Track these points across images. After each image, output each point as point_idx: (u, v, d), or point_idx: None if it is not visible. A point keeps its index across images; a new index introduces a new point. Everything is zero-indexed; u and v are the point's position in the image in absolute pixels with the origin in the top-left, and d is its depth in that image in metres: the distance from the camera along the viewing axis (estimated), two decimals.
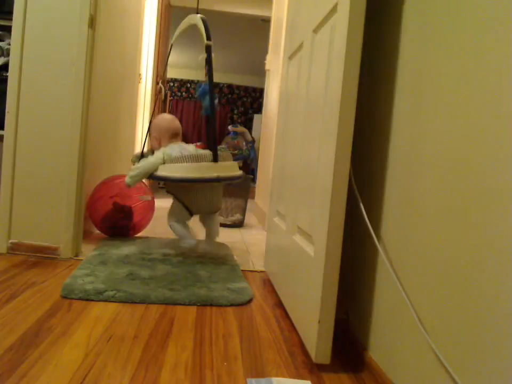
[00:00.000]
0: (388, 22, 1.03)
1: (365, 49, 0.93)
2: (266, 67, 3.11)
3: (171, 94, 7.94)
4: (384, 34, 1.04)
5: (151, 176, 1.60)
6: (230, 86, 8.30)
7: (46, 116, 1.61)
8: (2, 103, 1.61)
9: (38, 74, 1.60)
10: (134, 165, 1.66)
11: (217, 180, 1.58)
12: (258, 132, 4.42)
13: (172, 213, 1.73)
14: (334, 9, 1.00)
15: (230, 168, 1.65)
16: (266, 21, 3.93)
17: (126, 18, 2.43)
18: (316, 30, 1.17)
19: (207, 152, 1.62)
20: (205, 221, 1.82)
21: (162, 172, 1.57)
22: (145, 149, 1.81)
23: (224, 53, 6.91)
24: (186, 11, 3.97)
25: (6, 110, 1.60)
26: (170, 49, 2.03)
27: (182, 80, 8.08)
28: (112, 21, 2.09)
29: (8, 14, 1.62)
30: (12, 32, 1.59)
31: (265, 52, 3.19)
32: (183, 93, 8.16)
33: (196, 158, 1.57)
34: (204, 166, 1.57)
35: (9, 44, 1.66)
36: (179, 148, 1.67)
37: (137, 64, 2.96)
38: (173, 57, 7.05)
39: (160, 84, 2.00)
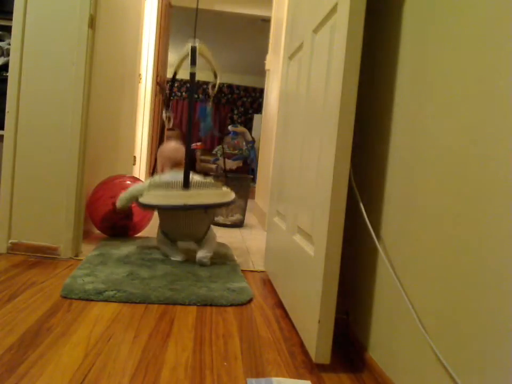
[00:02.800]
0: (388, 22, 1.03)
1: (365, 49, 0.93)
2: (266, 67, 3.11)
3: (171, 94, 7.94)
4: (384, 34, 1.04)
5: (136, 202, 1.70)
6: (230, 86, 8.30)
7: (46, 115, 1.61)
8: (2, 103, 1.61)
9: (38, 74, 1.60)
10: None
11: (184, 208, 1.57)
12: (258, 132, 4.42)
13: (157, 237, 1.77)
14: (334, 9, 1.00)
15: (206, 196, 1.62)
16: (266, 21, 3.93)
17: (126, 18, 2.43)
18: (316, 30, 1.17)
19: (195, 180, 1.65)
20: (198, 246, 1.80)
21: (141, 198, 1.65)
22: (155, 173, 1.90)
23: (224, 53, 6.91)
24: (187, 11, 3.97)
25: (6, 110, 1.60)
26: (174, 76, 2.08)
27: (182, 80, 8.08)
28: (112, 21, 2.09)
29: (8, 14, 1.62)
30: (12, 32, 1.59)
31: (265, 51, 3.19)
32: (183, 93, 8.16)
33: (168, 185, 1.60)
34: (173, 194, 1.60)
35: (9, 44, 1.66)
36: (170, 175, 1.71)
37: (137, 64, 2.96)
38: (173, 57, 7.04)
39: (164, 114, 2.05)
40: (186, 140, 1.70)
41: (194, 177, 1.69)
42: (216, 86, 1.82)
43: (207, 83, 1.80)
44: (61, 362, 0.86)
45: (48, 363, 0.86)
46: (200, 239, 1.71)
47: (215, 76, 1.93)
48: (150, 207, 1.68)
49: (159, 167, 1.86)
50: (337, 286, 0.92)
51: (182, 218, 1.67)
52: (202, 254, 1.65)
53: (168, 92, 1.94)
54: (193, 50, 1.70)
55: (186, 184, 1.61)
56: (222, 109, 8.31)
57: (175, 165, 1.80)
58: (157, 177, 1.73)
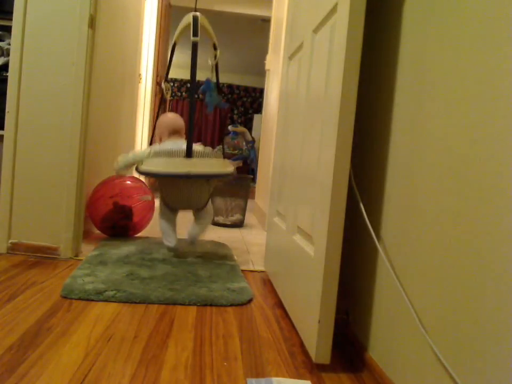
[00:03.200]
0: (388, 22, 1.03)
1: (365, 49, 0.93)
2: (266, 67, 3.11)
3: (171, 94, 7.94)
4: (384, 34, 1.04)
5: (136, 168, 1.67)
6: (230, 86, 8.30)
7: (46, 115, 1.61)
8: (2, 103, 1.61)
9: (38, 74, 1.60)
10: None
11: (187, 176, 1.55)
12: (258, 132, 4.42)
13: (160, 207, 1.76)
14: (334, 9, 1.00)
15: (208, 166, 1.61)
16: (266, 21, 3.93)
17: (126, 18, 2.43)
18: (316, 30, 1.17)
19: (195, 148, 1.62)
20: (194, 215, 1.81)
21: (143, 165, 1.61)
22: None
23: (224, 53, 6.91)
24: (186, 11, 3.97)
25: (6, 110, 1.60)
26: (174, 47, 2.04)
27: (182, 80, 8.08)
28: (112, 21, 2.09)
29: (8, 14, 1.62)
30: (12, 32, 1.59)
31: (265, 51, 3.19)
32: (183, 93, 8.16)
33: (171, 153, 1.58)
34: (175, 161, 1.56)
35: (9, 44, 1.66)
36: (171, 144, 1.69)
37: (137, 64, 2.96)
38: (173, 57, 7.04)
39: (163, 84, 2.02)
40: (190, 107, 1.66)
41: (196, 147, 1.65)
42: (217, 57, 1.78)
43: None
44: (61, 362, 0.86)
45: (48, 363, 0.86)
46: (201, 209, 1.72)
47: (215, 48, 1.90)
48: (153, 174, 1.64)
49: (157, 137, 1.82)
50: (337, 286, 0.92)
51: (184, 186, 1.66)
52: (195, 230, 1.69)
53: (168, 63, 1.92)
54: (195, 20, 1.68)
55: (189, 153, 1.58)
56: (222, 109, 8.30)
57: (173, 132, 1.78)
58: (157, 145, 1.71)
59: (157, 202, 2.15)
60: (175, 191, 1.67)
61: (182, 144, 1.69)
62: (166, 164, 1.57)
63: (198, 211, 1.75)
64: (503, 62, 0.60)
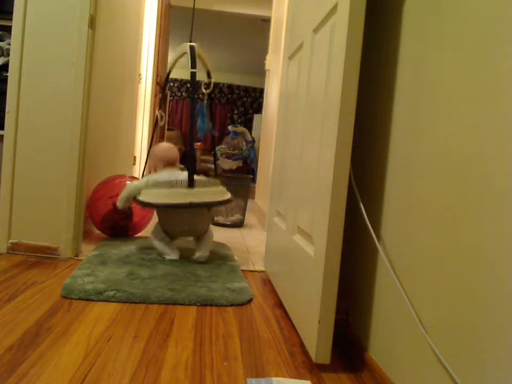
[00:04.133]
0: (387, 22, 1.03)
1: (365, 49, 0.93)
2: (266, 67, 3.11)
3: (171, 94, 7.94)
4: (384, 34, 1.04)
5: (135, 200, 1.70)
6: (230, 86, 8.30)
7: (46, 115, 1.61)
8: (2, 103, 1.61)
9: (38, 74, 1.60)
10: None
11: (189, 206, 1.60)
12: (258, 132, 4.42)
13: (153, 231, 1.76)
14: (334, 9, 1.00)
15: (208, 194, 1.66)
16: (266, 21, 3.93)
17: (126, 18, 2.43)
18: (316, 30, 1.17)
19: (196, 179, 1.66)
20: (195, 241, 1.80)
21: (141, 196, 1.65)
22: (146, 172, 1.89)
23: (224, 53, 6.91)
24: (186, 11, 3.97)
25: (6, 110, 1.60)
26: (169, 74, 2.11)
27: (182, 80, 8.08)
28: (112, 21, 2.09)
29: (8, 14, 1.62)
30: (12, 32, 1.59)
31: (265, 51, 3.19)
32: (183, 93, 8.16)
33: (171, 184, 1.63)
34: (176, 192, 1.61)
35: (9, 44, 1.66)
36: (168, 174, 1.72)
37: (137, 64, 2.96)
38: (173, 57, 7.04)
39: (157, 112, 2.05)
40: (190, 139, 1.70)
41: (195, 177, 1.70)
42: (211, 86, 1.81)
43: (200, 82, 1.80)
44: (61, 362, 0.86)
45: (48, 363, 0.86)
46: (198, 235, 1.75)
47: (209, 76, 1.93)
48: (156, 206, 1.67)
49: (151, 167, 1.85)
50: (337, 286, 0.92)
51: (185, 216, 1.68)
52: (200, 253, 1.69)
53: (162, 91, 1.95)
54: (193, 50, 1.70)
55: (191, 183, 1.62)
56: (222, 109, 8.31)
57: (168, 164, 1.80)
58: (155, 176, 1.73)
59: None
60: (177, 219, 1.70)
61: (178, 174, 1.74)
62: (169, 194, 1.61)
63: (198, 238, 1.76)
64: (503, 62, 0.60)
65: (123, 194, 1.73)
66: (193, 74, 1.69)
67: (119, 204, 1.75)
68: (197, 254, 1.69)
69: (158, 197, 1.62)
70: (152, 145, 1.96)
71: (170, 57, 1.94)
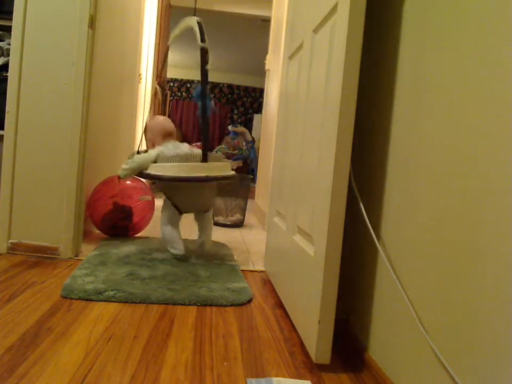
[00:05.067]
0: (388, 22, 1.03)
1: (365, 49, 0.93)
2: (266, 67, 3.11)
3: (171, 94, 7.94)
4: (384, 34, 1.04)
5: (142, 174, 1.63)
6: (230, 86, 8.30)
7: (46, 115, 1.61)
8: (2, 103, 1.61)
9: (38, 74, 1.60)
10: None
11: (205, 179, 1.60)
12: (258, 132, 4.42)
13: (163, 213, 1.73)
14: (334, 9, 1.00)
15: (219, 169, 1.67)
16: (266, 21, 3.93)
17: (126, 18, 2.43)
18: (316, 30, 1.17)
19: (198, 152, 1.64)
20: (198, 221, 1.81)
21: (153, 170, 1.60)
22: (141, 149, 1.84)
23: (224, 53, 6.91)
24: (186, 11, 3.97)
25: (6, 110, 1.60)
26: (167, 51, 2.03)
27: (182, 80, 8.08)
28: (112, 21, 2.09)
29: (8, 14, 1.62)
30: (12, 32, 1.59)
31: (265, 51, 3.19)
32: (183, 93, 8.16)
33: (187, 158, 1.61)
34: (193, 166, 1.59)
35: (9, 44, 1.66)
36: (173, 147, 1.68)
37: (137, 64, 2.96)
38: (173, 57, 7.05)
39: (156, 85, 2.01)
40: (203, 112, 1.64)
41: (195, 150, 1.70)
42: (209, 63, 1.75)
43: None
44: (61, 362, 0.86)
45: (48, 363, 0.86)
46: (208, 210, 1.77)
47: (201, 51, 1.85)
48: (172, 180, 1.60)
49: (149, 142, 1.79)
50: (337, 286, 0.92)
51: (197, 190, 1.69)
52: (205, 238, 1.75)
53: (163, 63, 1.90)
54: (201, 25, 1.66)
55: (205, 157, 1.61)
56: (222, 109, 8.31)
57: (166, 136, 1.76)
58: (162, 148, 1.66)
59: (157, 202, 2.15)
60: (188, 195, 1.68)
61: (181, 146, 1.71)
62: (184, 168, 1.58)
63: (203, 214, 1.77)
64: (503, 62, 0.60)
65: (130, 165, 1.62)
66: (203, 49, 1.63)
67: (122, 173, 1.64)
68: (201, 242, 1.72)
69: (173, 171, 1.57)
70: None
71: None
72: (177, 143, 1.74)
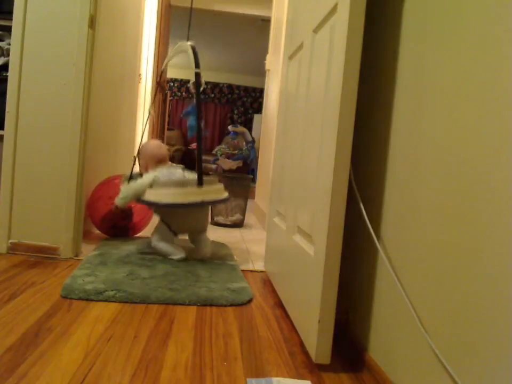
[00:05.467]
0: (388, 22, 1.03)
1: (365, 49, 0.93)
2: (266, 67, 3.11)
3: (171, 94, 7.94)
4: (384, 34, 1.04)
5: (139, 200, 1.66)
6: (230, 86, 8.30)
7: (46, 115, 1.60)
8: (2, 103, 1.61)
9: (38, 74, 1.60)
10: (123, 185, 1.72)
11: (202, 204, 1.66)
12: (258, 132, 4.42)
13: (155, 233, 1.74)
14: (334, 9, 1.00)
15: (214, 192, 1.72)
16: (266, 21, 3.93)
17: (126, 18, 2.43)
18: (316, 30, 1.17)
19: (193, 178, 1.69)
20: (194, 240, 1.82)
21: (150, 196, 1.64)
22: (134, 172, 1.87)
23: (224, 53, 6.92)
24: (186, 11, 3.97)
25: (6, 110, 1.60)
26: (161, 73, 2.08)
27: (182, 80, 8.08)
28: (112, 21, 2.09)
29: (8, 14, 1.62)
30: (12, 32, 1.59)
31: (265, 51, 3.19)
32: (183, 93, 8.16)
33: (182, 183, 1.65)
34: (189, 191, 1.63)
35: (9, 44, 1.66)
36: (168, 172, 1.72)
37: (137, 64, 2.96)
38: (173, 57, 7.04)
39: (149, 108, 2.06)
40: (198, 138, 1.69)
41: (188, 175, 1.74)
42: (202, 81, 1.77)
43: (188, 81, 1.80)
44: (61, 362, 0.86)
45: (48, 363, 0.86)
46: (203, 232, 1.79)
47: (197, 66, 1.87)
48: (169, 206, 1.65)
49: (142, 166, 1.83)
50: (337, 286, 0.92)
51: (193, 213, 1.72)
52: (206, 249, 1.75)
53: (156, 89, 1.92)
54: (194, 49, 1.69)
55: (200, 181, 1.64)
56: (222, 109, 8.31)
57: (159, 161, 1.79)
58: (157, 173, 1.69)
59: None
60: (185, 218, 1.72)
61: (175, 171, 1.75)
62: (180, 193, 1.62)
63: (198, 235, 1.79)
64: (503, 63, 0.60)
65: (127, 193, 1.67)
66: (197, 75, 1.68)
67: (121, 202, 1.69)
68: (203, 250, 1.74)
69: (170, 197, 1.61)
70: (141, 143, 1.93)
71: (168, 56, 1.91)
72: (171, 168, 1.78)
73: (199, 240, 1.78)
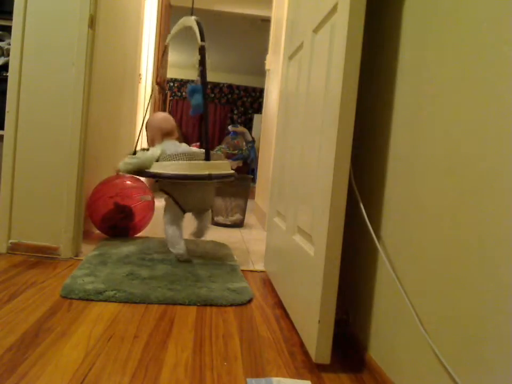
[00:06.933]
0: (387, 22, 1.03)
1: (365, 49, 0.93)
2: (266, 67, 3.11)
3: (171, 94, 7.94)
4: (384, 33, 1.04)
5: (145, 173, 1.62)
6: (230, 86, 8.30)
7: (46, 115, 1.61)
8: (2, 102, 1.61)
9: (38, 74, 1.60)
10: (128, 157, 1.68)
11: (209, 177, 1.60)
12: (258, 132, 4.42)
13: (166, 211, 1.72)
14: (334, 9, 1.00)
15: (221, 167, 1.68)
16: (266, 21, 3.93)
17: (126, 18, 2.43)
18: (316, 30, 1.17)
19: (200, 151, 1.66)
20: (197, 218, 1.84)
21: (156, 169, 1.59)
22: (138, 148, 1.84)
23: (224, 53, 6.91)
24: (186, 11, 3.97)
25: (6, 110, 1.60)
26: (165, 50, 2.04)
27: (182, 80, 8.08)
28: (112, 21, 2.09)
29: (8, 14, 1.62)
30: (12, 32, 1.59)
31: (265, 51, 3.19)
32: (183, 93, 8.15)
33: (189, 156, 1.61)
34: (196, 164, 1.60)
35: (9, 44, 1.66)
36: (173, 146, 1.69)
37: (137, 64, 2.96)
38: (173, 57, 7.05)
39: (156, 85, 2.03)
40: (204, 113, 1.66)
41: (196, 149, 1.73)
42: (207, 62, 1.73)
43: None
44: (61, 362, 0.86)
45: (48, 363, 0.86)
46: (207, 209, 1.80)
47: (202, 38, 1.82)
48: (175, 178, 1.60)
49: (149, 139, 1.80)
50: (337, 286, 0.92)
51: (201, 188, 1.70)
52: (203, 225, 1.79)
53: (162, 56, 1.89)
54: (200, 25, 1.66)
55: (208, 155, 1.62)
56: (222, 109, 8.31)
57: (167, 134, 1.75)
58: (164, 146, 1.66)
59: (157, 202, 2.15)
60: (192, 193, 1.69)
61: (181, 145, 1.72)
62: (187, 166, 1.58)
63: (203, 212, 1.79)
64: (503, 62, 0.60)
65: (134, 161, 1.61)
66: (203, 48, 1.63)
67: (124, 168, 1.62)
68: (197, 229, 1.76)
69: (177, 169, 1.57)
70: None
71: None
72: (177, 143, 1.75)
73: (200, 216, 1.79)
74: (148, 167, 1.61)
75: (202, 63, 1.66)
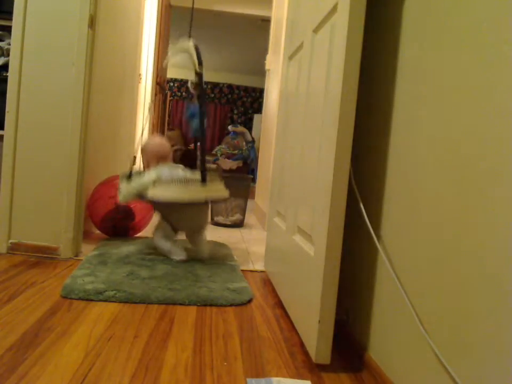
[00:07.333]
0: (388, 22, 1.02)
1: (365, 49, 0.93)
2: (266, 67, 3.11)
3: (171, 94, 7.94)
4: (384, 33, 1.04)
5: (143, 196, 1.64)
6: (230, 86, 8.30)
7: (46, 115, 1.61)
8: (2, 103, 1.61)
9: (38, 74, 1.60)
10: (121, 183, 1.69)
11: (206, 201, 1.69)
12: (258, 132, 4.42)
13: (157, 230, 1.75)
14: (334, 9, 1.00)
15: (217, 190, 1.73)
16: (266, 21, 3.93)
17: (126, 18, 2.43)
18: (316, 30, 1.17)
19: (194, 177, 1.69)
20: (192, 241, 1.82)
21: (155, 193, 1.62)
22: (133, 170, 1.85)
23: (224, 53, 6.91)
24: (186, 11, 3.97)
25: (6, 110, 1.60)
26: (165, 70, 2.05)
27: (182, 80, 8.08)
28: (112, 21, 2.09)
29: (8, 14, 1.62)
30: (12, 32, 1.59)
31: (265, 51, 3.19)
32: (183, 93, 8.15)
33: (185, 181, 1.65)
34: (193, 189, 1.64)
35: (9, 44, 1.66)
36: (169, 170, 1.72)
37: (137, 64, 2.96)
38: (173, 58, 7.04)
39: (149, 104, 2.03)
40: (201, 136, 1.69)
41: (189, 174, 1.74)
42: (202, 82, 1.74)
43: (187, 81, 1.78)
44: (61, 362, 0.86)
45: (48, 363, 0.86)
46: (202, 230, 1.80)
47: (200, 63, 1.84)
48: (173, 203, 1.63)
49: (144, 163, 1.83)
50: (337, 286, 0.92)
51: (194, 210, 1.73)
52: (204, 249, 1.76)
53: (162, 91, 1.90)
54: (197, 49, 1.68)
55: (204, 179, 1.65)
56: (222, 109, 8.31)
57: (161, 159, 1.78)
58: (157, 171, 1.68)
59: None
60: (186, 215, 1.73)
61: (176, 170, 1.75)
62: (184, 190, 1.61)
63: (196, 235, 1.79)
64: (503, 62, 0.60)
65: (128, 189, 1.64)
66: (201, 74, 1.66)
67: (124, 199, 1.67)
68: (202, 251, 1.75)
69: (174, 194, 1.60)
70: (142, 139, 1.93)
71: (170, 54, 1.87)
72: (173, 167, 1.77)
73: (197, 241, 1.78)
74: (144, 192, 1.63)
75: (200, 88, 1.68)
